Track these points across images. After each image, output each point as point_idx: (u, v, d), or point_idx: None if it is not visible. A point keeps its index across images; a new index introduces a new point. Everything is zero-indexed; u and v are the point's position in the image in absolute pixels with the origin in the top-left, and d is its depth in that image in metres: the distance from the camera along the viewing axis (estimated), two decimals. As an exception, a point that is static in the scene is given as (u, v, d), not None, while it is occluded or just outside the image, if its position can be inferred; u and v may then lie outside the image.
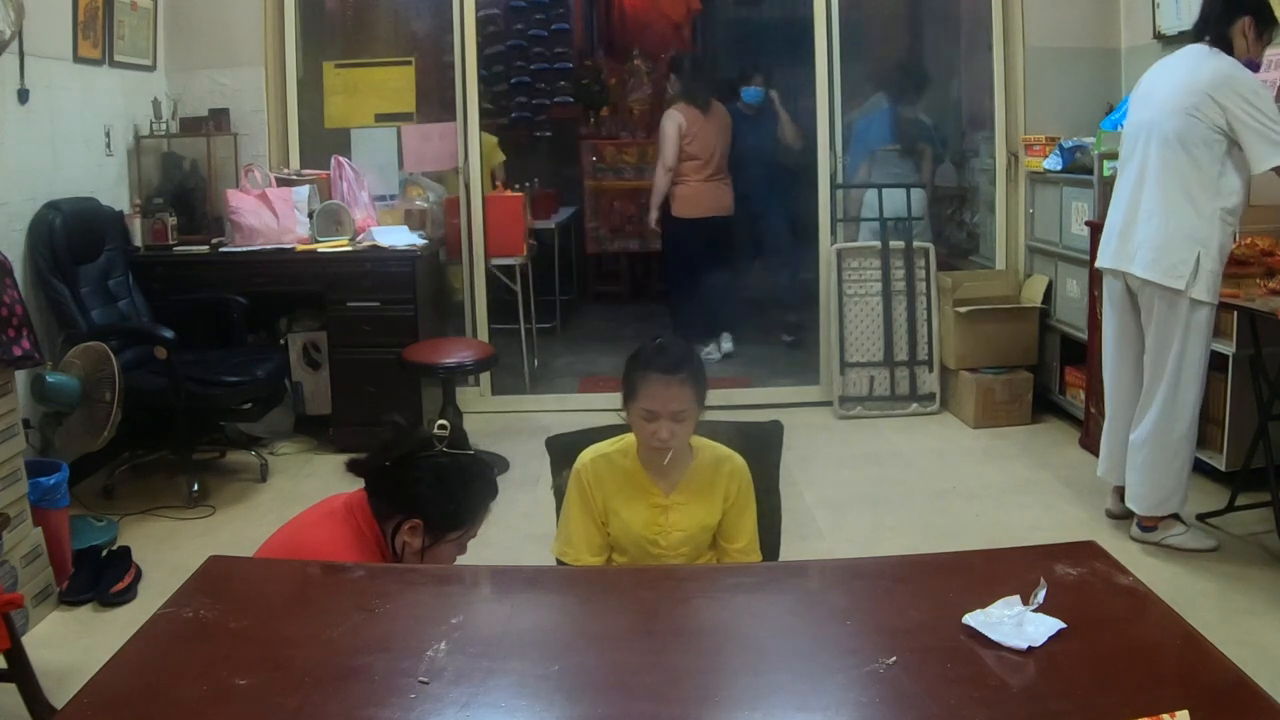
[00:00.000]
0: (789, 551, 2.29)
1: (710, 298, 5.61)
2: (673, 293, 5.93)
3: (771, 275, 6.02)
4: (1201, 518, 3.34)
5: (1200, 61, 3.00)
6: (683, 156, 5.46)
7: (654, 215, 5.68)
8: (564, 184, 7.02)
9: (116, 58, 4.25)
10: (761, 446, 2.16)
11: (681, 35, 7.35)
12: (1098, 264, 3.34)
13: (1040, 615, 1.36)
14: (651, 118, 6.79)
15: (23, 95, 3.60)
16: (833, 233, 4.97)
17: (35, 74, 3.64)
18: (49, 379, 3.32)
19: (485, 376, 4.96)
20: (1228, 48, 2.98)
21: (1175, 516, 3.22)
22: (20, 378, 3.07)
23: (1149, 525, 3.22)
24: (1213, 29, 3.01)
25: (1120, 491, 3.38)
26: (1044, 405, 4.65)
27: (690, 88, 5.55)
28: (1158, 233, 3.04)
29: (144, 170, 4.49)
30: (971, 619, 1.37)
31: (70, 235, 3.71)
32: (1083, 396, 4.25)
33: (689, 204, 5.54)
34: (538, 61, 6.97)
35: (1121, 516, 3.39)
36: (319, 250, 4.28)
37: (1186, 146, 2.98)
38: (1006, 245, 4.94)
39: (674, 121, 5.44)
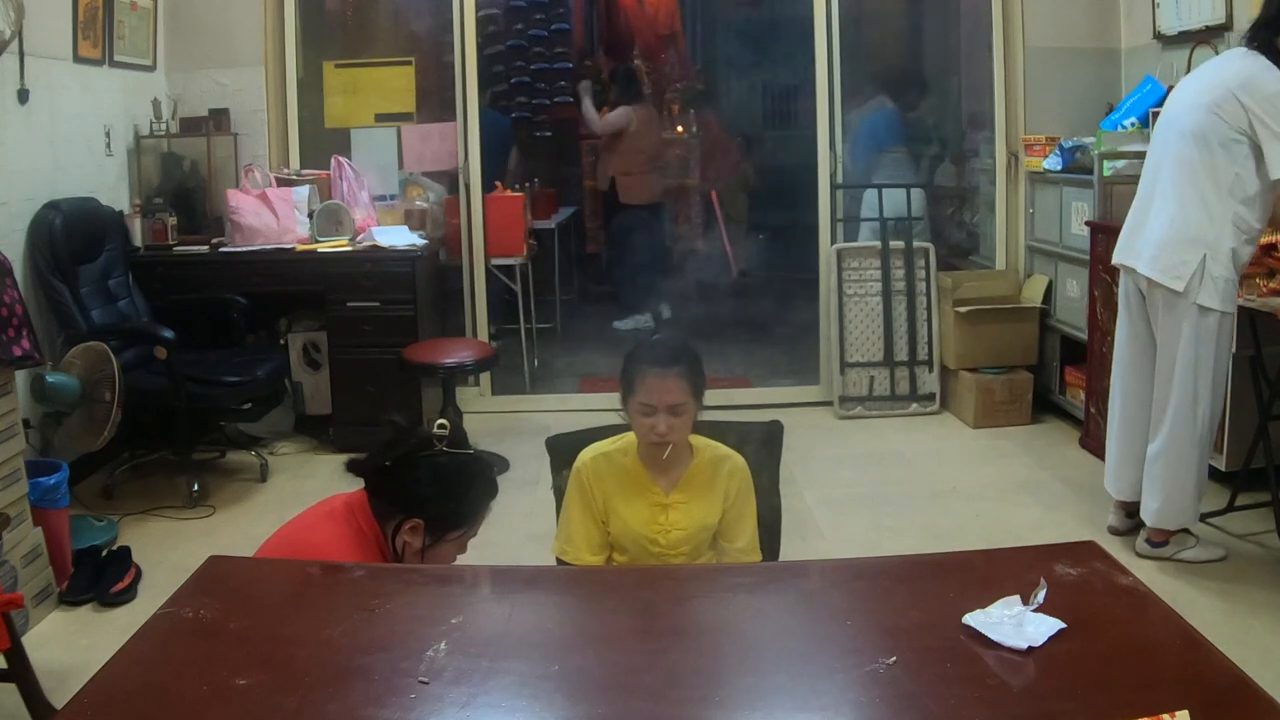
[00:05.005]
0: (789, 551, 2.29)
1: (651, 270, 6.43)
2: (616, 268, 6.70)
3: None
4: (1202, 518, 3.31)
5: (1231, 61, 2.91)
6: (631, 150, 6.23)
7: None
8: (564, 184, 7.02)
9: (116, 58, 4.25)
10: (761, 446, 2.16)
11: (675, 43, 7.37)
12: (1113, 261, 3.24)
13: (1040, 615, 1.36)
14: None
15: (23, 95, 3.60)
16: (833, 233, 4.98)
17: (35, 74, 3.64)
18: (49, 379, 3.32)
19: (485, 376, 4.96)
20: (1275, 56, 2.85)
21: (1185, 531, 3.14)
22: (20, 378, 3.08)
23: (1159, 540, 3.14)
24: (1261, 33, 2.89)
25: (1125, 506, 3.32)
26: (1044, 405, 4.64)
27: (640, 93, 6.42)
28: (1163, 230, 2.96)
29: (144, 170, 4.49)
30: (971, 619, 1.37)
31: (70, 235, 3.71)
32: (1083, 396, 4.25)
33: (634, 192, 6.30)
34: (538, 61, 6.96)
35: (1126, 533, 3.31)
36: (319, 250, 4.28)
37: (1203, 144, 2.88)
38: (1006, 245, 4.94)
39: (628, 113, 6.22)
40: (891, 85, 5.47)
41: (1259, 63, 2.85)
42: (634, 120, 6.21)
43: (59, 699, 2.28)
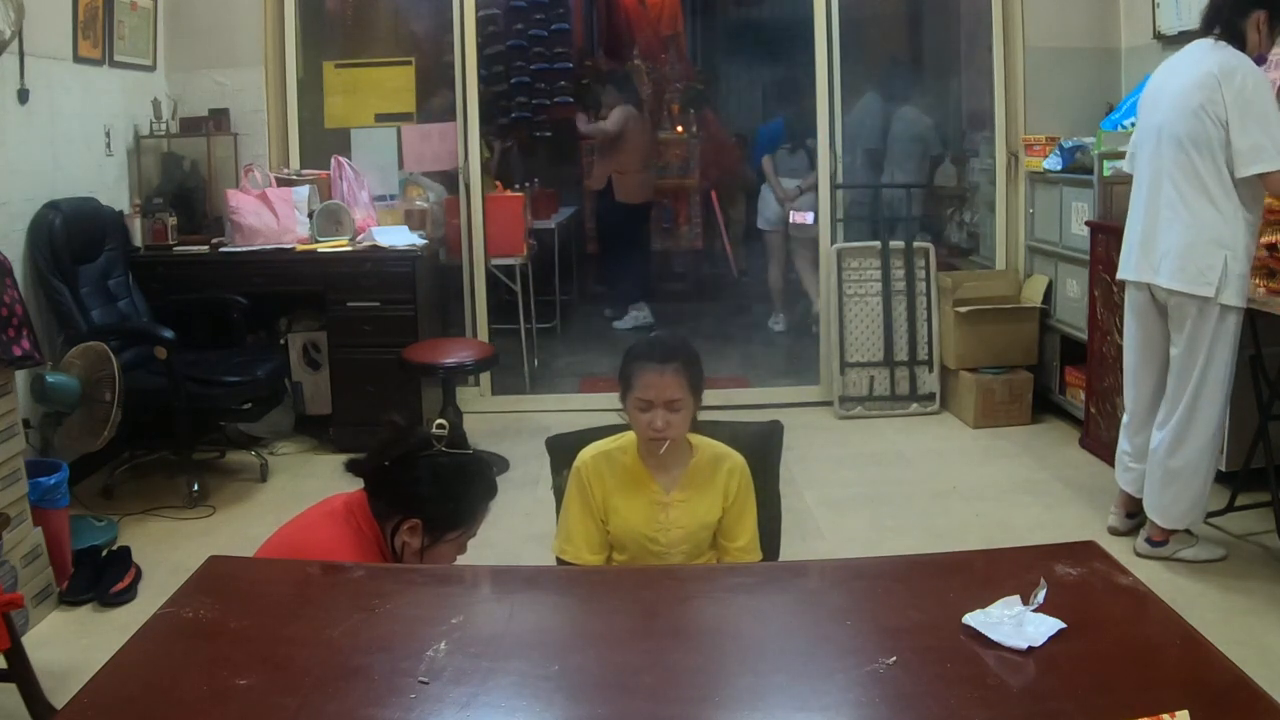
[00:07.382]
0: (789, 551, 2.29)
1: (640, 267, 6.69)
2: (607, 265, 6.85)
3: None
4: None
5: (1206, 56, 2.90)
6: (626, 149, 6.29)
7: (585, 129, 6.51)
8: (564, 184, 7.03)
9: (116, 58, 4.25)
10: (761, 446, 2.16)
11: (676, 42, 7.39)
12: (1119, 276, 3.23)
13: (1040, 615, 1.36)
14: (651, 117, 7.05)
15: (23, 95, 3.60)
16: (833, 233, 4.98)
17: (35, 74, 3.64)
18: (49, 379, 3.32)
19: (485, 376, 4.96)
20: (1239, 42, 2.88)
21: (1186, 530, 3.14)
22: (20, 378, 3.08)
23: (1159, 540, 3.14)
24: (1224, 21, 2.91)
25: (1126, 505, 3.33)
26: (1044, 405, 4.64)
27: (633, 96, 6.50)
28: (1180, 239, 2.94)
29: (144, 170, 4.49)
30: (971, 619, 1.37)
31: (70, 235, 3.71)
32: (1083, 396, 4.25)
33: (630, 191, 6.36)
34: (538, 61, 6.97)
35: (1126, 533, 3.32)
36: (319, 250, 4.28)
37: (1200, 148, 2.88)
38: (1006, 245, 4.94)
39: (625, 112, 6.29)
40: (880, 80, 5.49)
41: (1232, 54, 2.87)
42: (629, 120, 6.27)
43: (59, 699, 2.28)
